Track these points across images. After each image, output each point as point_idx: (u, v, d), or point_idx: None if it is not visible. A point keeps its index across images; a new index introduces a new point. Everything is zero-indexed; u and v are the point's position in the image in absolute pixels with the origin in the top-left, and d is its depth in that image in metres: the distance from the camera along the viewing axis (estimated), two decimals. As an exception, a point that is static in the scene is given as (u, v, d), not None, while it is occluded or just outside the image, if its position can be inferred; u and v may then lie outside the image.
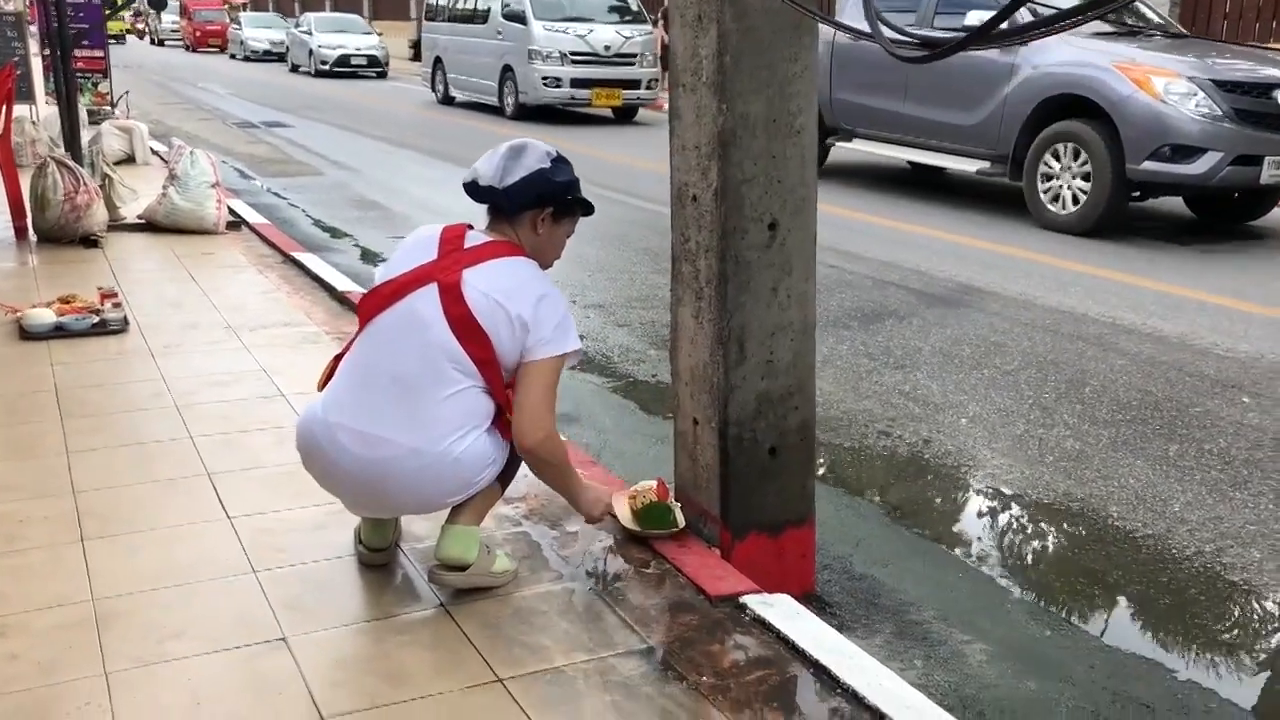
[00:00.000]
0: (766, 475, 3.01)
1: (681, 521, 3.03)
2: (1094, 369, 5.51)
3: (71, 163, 6.82)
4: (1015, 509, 3.95)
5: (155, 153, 10.76)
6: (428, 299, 2.58)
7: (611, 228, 9.15)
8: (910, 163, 11.33)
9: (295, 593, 2.71)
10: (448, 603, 2.68)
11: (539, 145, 2.73)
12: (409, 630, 2.56)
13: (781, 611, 2.65)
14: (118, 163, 9.27)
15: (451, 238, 2.69)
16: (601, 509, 2.92)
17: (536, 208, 2.72)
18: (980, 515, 3.94)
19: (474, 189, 2.73)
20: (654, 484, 3.12)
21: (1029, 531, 3.81)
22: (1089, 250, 8.29)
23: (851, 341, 6.00)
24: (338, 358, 2.77)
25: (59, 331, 4.79)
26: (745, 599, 2.70)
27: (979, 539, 3.75)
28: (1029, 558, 3.64)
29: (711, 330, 2.91)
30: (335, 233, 8.66)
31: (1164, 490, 4.06)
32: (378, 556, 2.86)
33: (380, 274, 2.74)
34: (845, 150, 11.72)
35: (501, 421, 2.68)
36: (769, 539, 3.05)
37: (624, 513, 3.10)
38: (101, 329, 4.86)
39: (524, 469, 2.82)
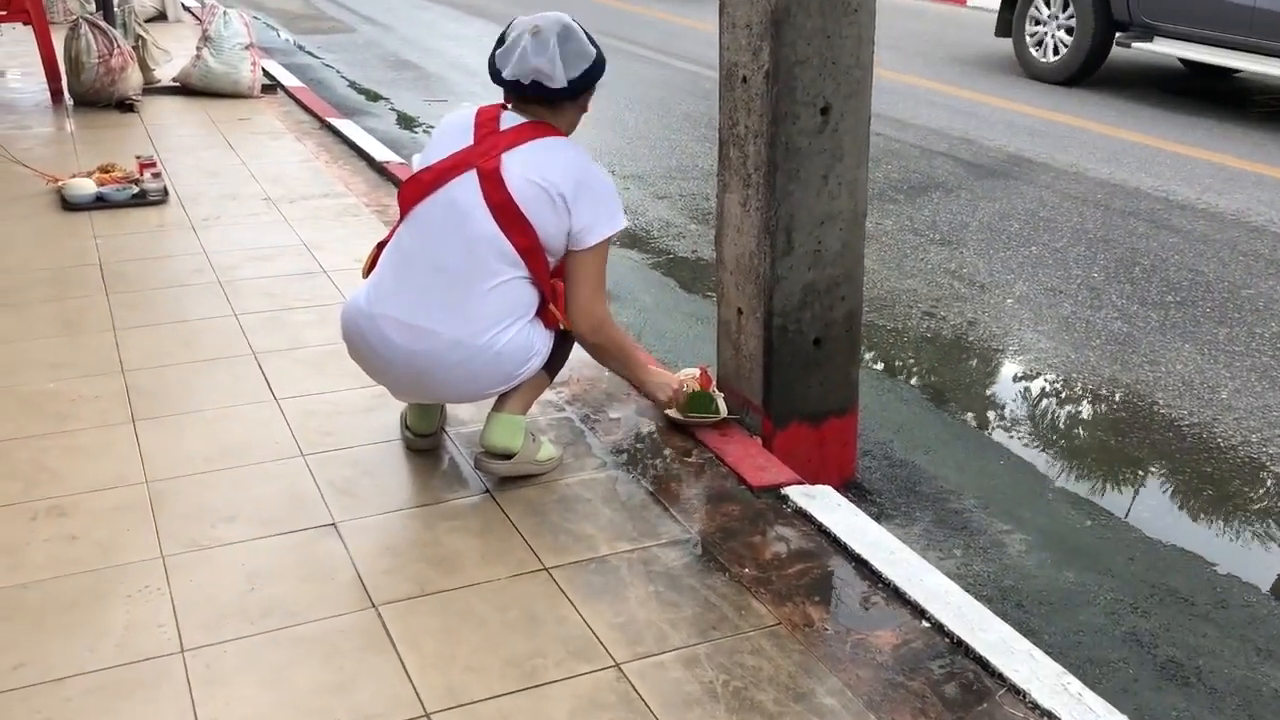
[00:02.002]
0: (810, 366, 2.99)
1: (725, 410, 3.03)
2: (1145, 247, 5.39)
3: (104, 23, 6.69)
4: (1059, 394, 3.92)
5: (187, 8, 10.55)
6: (468, 187, 2.53)
7: (650, 91, 8.94)
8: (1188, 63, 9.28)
9: (344, 476, 2.76)
10: (494, 489, 2.72)
11: (567, 23, 2.59)
12: (457, 516, 2.60)
13: (823, 503, 2.66)
14: (149, 20, 9.10)
15: (486, 120, 2.62)
16: (668, 394, 2.95)
17: (586, 91, 2.64)
18: (1024, 401, 3.91)
19: (527, 87, 2.58)
20: (697, 372, 3.11)
21: (1072, 418, 3.78)
22: (1142, 119, 8.01)
23: (897, 216, 5.89)
24: (380, 245, 2.75)
25: (100, 202, 4.78)
26: (787, 490, 2.72)
27: (1021, 425, 3.74)
28: (1071, 445, 3.62)
29: (759, 219, 2.85)
30: (371, 95, 8.52)
31: (1211, 376, 4.01)
32: (423, 442, 2.89)
33: (418, 161, 2.70)
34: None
35: (546, 312, 2.67)
36: (811, 428, 3.05)
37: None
38: (141, 200, 4.85)
39: (576, 353, 2.81)
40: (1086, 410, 3.84)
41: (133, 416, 3.03)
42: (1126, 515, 3.17)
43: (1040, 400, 3.91)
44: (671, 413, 3.04)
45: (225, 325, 3.65)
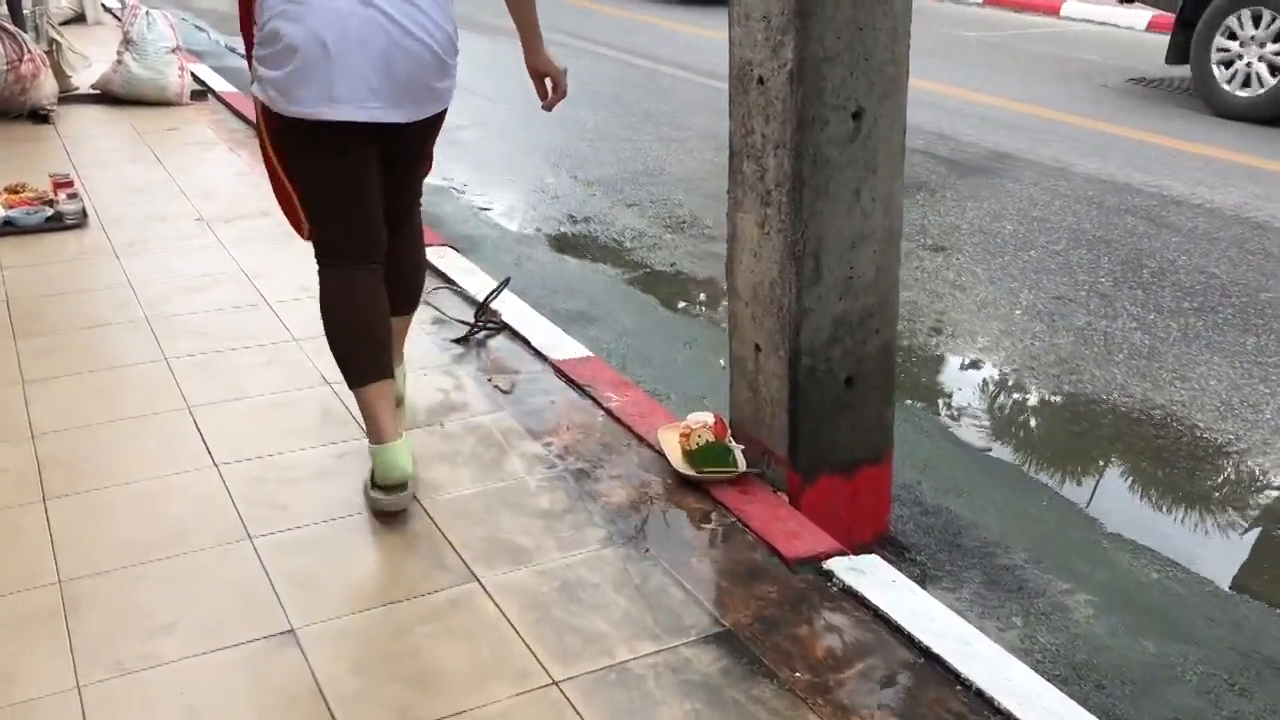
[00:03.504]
0: (841, 409, 2.59)
1: (743, 464, 2.62)
2: (1148, 247, 5.07)
3: (12, 26, 6.11)
4: (1091, 419, 3.56)
5: (107, 9, 9.92)
6: None
7: (605, 88, 8.51)
8: None
9: (302, 565, 2.30)
10: (482, 574, 2.28)
11: None
12: (439, 615, 2.16)
13: (874, 579, 2.26)
14: (65, 23, 8.49)
15: None
16: (557, 72, 2.77)
17: None
18: (1054, 428, 3.55)
19: None
20: (709, 418, 2.70)
21: (1111, 448, 3.42)
22: (1118, 110, 7.74)
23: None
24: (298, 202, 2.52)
25: (8, 227, 4.25)
26: (829, 564, 2.31)
27: (1057, 458, 3.37)
28: (1117, 481, 3.26)
29: (781, 242, 2.44)
30: (309, 99, 7.99)
31: (1250, 394, 3.67)
32: (393, 499, 2.45)
33: None
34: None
35: None
36: (842, 480, 2.65)
37: (674, 453, 2.69)
38: (56, 224, 4.32)
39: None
40: (1124, 437, 3.48)
41: (44, 494, 2.55)
42: (1193, 564, 2.81)
43: (1072, 427, 3.55)
44: (683, 468, 2.62)
45: (154, 373, 3.16)
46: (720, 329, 4.25)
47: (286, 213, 2.59)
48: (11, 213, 4.27)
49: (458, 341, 3.42)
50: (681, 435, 2.67)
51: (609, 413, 2.96)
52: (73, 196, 4.37)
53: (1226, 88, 7.50)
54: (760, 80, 2.41)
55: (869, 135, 2.42)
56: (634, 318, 4.30)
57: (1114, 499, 3.15)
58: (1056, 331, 4.18)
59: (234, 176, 5.11)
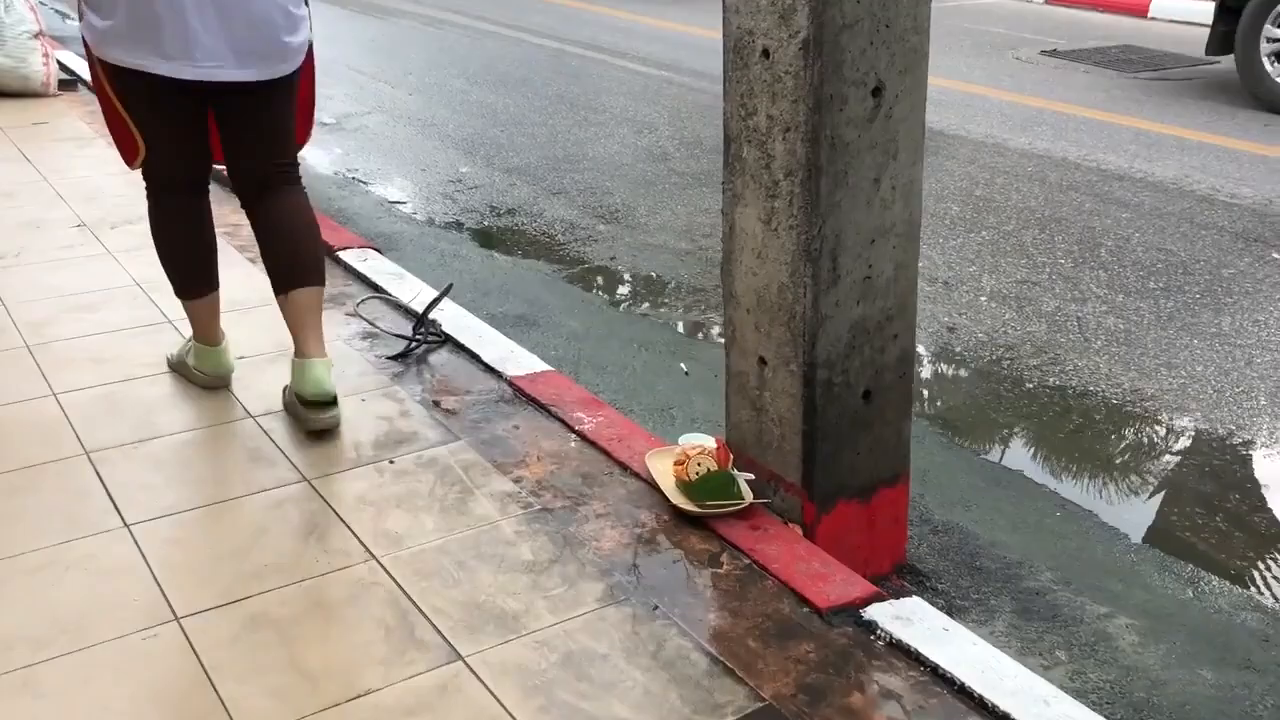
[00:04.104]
0: (859, 426, 2.28)
1: (749, 495, 2.29)
2: (1100, 225, 4.89)
3: None
4: (1084, 414, 3.33)
5: (-42, -6, 9.06)
6: None
7: (514, 71, 8.07)
8: None
9: (246, 656, 1.90)
10: (466, 650, 1.91)
11: None
12: (422, 708, 1.78)
13: (925, 629, 1.96)
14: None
15: None
16: None
17: None
18: (1048, 426, 3.31)
19: None
20: (707, 442, 2.36)
21: (1111, 445, 3.20)
22: (1039, 83, 7.62)
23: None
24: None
25: None
26: (869, 612, 2.00)
27: (1058, 459, 3.13)
28: (1127, 484, 3.03)
29: (793, 241, 2.11)
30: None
31: (1238, 379, 3.49)
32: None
33: None
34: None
35: None
36: (860, 505, 2.34)
37: (668, 483, 2.35)
38: (-89, 235, 3.77)
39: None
40: (1124, 433, 3.25)
41: (-90, 575, 2.09)
42: (1231, 580, 2.58)
43: (1066, 424, 3.31)
44: (681, 502, 2.29)
45: (42, 412, 2.69)
46: (673, 329, 3.92)
47: (118, 140, 2.56)
48: None
49: (395, 358, 3.01)
50: (677, 463, 2.33)
51: (582, 437, 2.61)
52: (-71, 203, 3.81)
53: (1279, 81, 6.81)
54: (765, 53, 2.07)
55: (889, 114, 2.10)
56: (579, 320, 3.93)
57: (1128, 504, 2.92)
58: (1028, 318, 3.96)
59: (116, 176, 4.57)
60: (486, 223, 4.97)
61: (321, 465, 2.47)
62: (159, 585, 2.06)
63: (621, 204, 5.20)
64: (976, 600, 2.44)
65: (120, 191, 4.34)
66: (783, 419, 2.26)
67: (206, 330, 2.77)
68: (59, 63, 6.15)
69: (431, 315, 3.17)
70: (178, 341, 3.03)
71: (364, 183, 5.48)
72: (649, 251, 4.60)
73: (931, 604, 2.37)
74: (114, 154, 4.91)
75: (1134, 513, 2.87)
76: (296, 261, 2.60)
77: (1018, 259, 4.52)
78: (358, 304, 3.21)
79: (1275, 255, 4.55)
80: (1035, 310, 4.02)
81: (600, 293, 4.26)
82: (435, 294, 3.40)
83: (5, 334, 3.08)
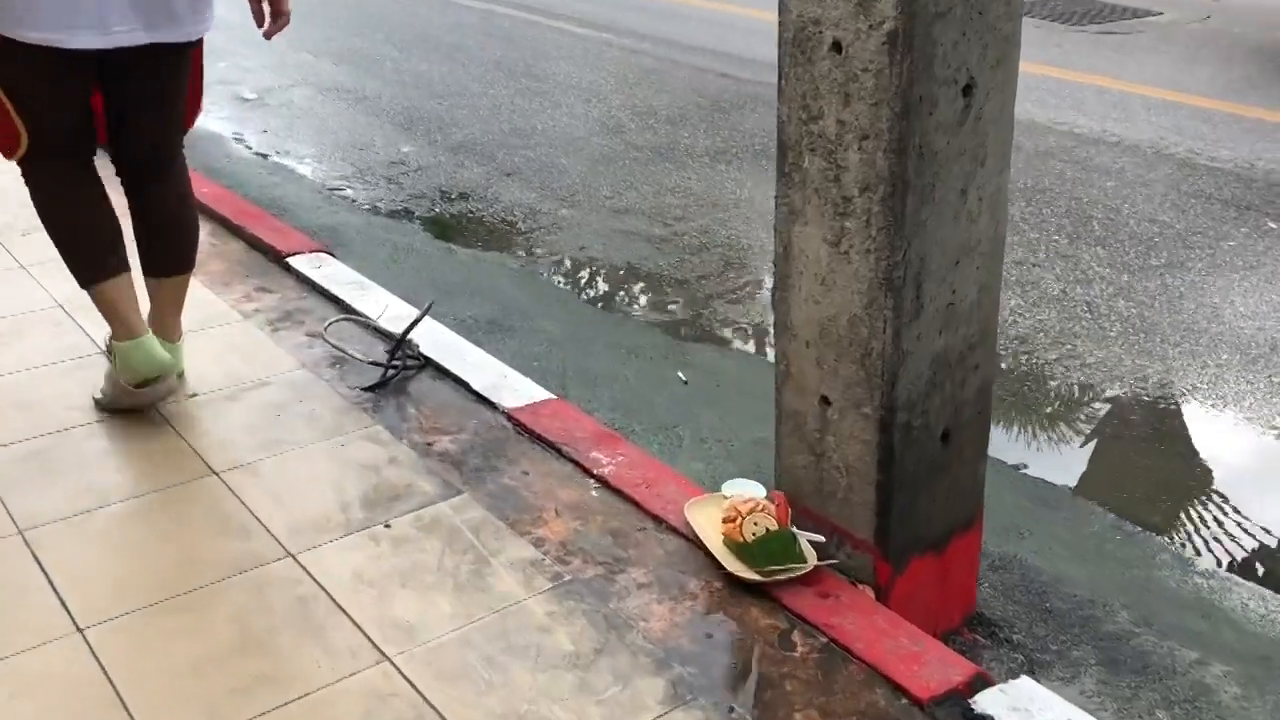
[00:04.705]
0: (936, 472, 1.99)
1: (812, 556, 1.99)
2: (1086, 195, 4.67)
3: None
4: (1120, 416, 3.10)
5: None
6: None
7: (441, 35, 7.59)
8: None
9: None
10: (515, 781, 1.58)
11: None
12: None
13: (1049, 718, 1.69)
14: None
15: None
16: None
17: None
18: (1081, 431, 3.07)
19: None
20: (755, 491, 2.07)
21: (1154, 451, 2.97)
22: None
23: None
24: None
25: None
26: (980, 703, 1.72)
27: (1102, 471, 2.90)
28: (1182, 498, 2.80)
29: (869, 266, 1.80)
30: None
31: (1270, 367, 3.29)
32: (152, 391, 2.48)
33: None
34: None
35: None
36: (934, 558, 2.06)
37: (715, 541, 2.04)
38: None
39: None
40: (1162, 435, 3.03)
41: None
42: (1315, 604, 2.37)
43: (1103, 429, 3.07)
44: (737, 568, 1.98)
45: (-42, 477, 2.27)
46: (660, 330, 3.59)
47: None
48: None
49: (372, 389, 2.64)
50: (727, 520, 2.02)
51: (603, 483, 2.28)
52: None
53: None
54: (836, 47, 1.74)
55: (979, 116, 1.80)
56: (557, 322, 3.58)
57: (1189, 524, 2.69)
58: (1035, 304, 3.72)
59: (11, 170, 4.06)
60: (438, 210, 4.57)
61: (306, 533, 2.11)
62: (127, 711, 1.69)
63: (581, 184, 4.83)
64: (1057, 652, 2.18)
65: (22, 193, 3.84)
66: (851, 467, 1.96)
67: (127, 319, 2.43)
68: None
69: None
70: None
71: (297, 166, 5.02)
72: (620, 239, 4.26)
73: (1007, 659, 2.12)
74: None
75: (1199, 534, 2.64)
76: (180, 249, 2.53)
77: (1011, 235, 4.27)
78: (325, 326, 2.82)
79: (1271, 225, 4.37)
80: (1041, 295, 3.78)
81: (575, 289, 3.91)
82: (408, 307, 3.03)
83: (-94, 376, 2.64)
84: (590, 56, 7.10)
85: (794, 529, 2.00)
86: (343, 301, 3.07)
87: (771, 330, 3.57)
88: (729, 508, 2.03)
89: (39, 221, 3.57)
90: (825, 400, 1.96)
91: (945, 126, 1.75)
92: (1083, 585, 2.38)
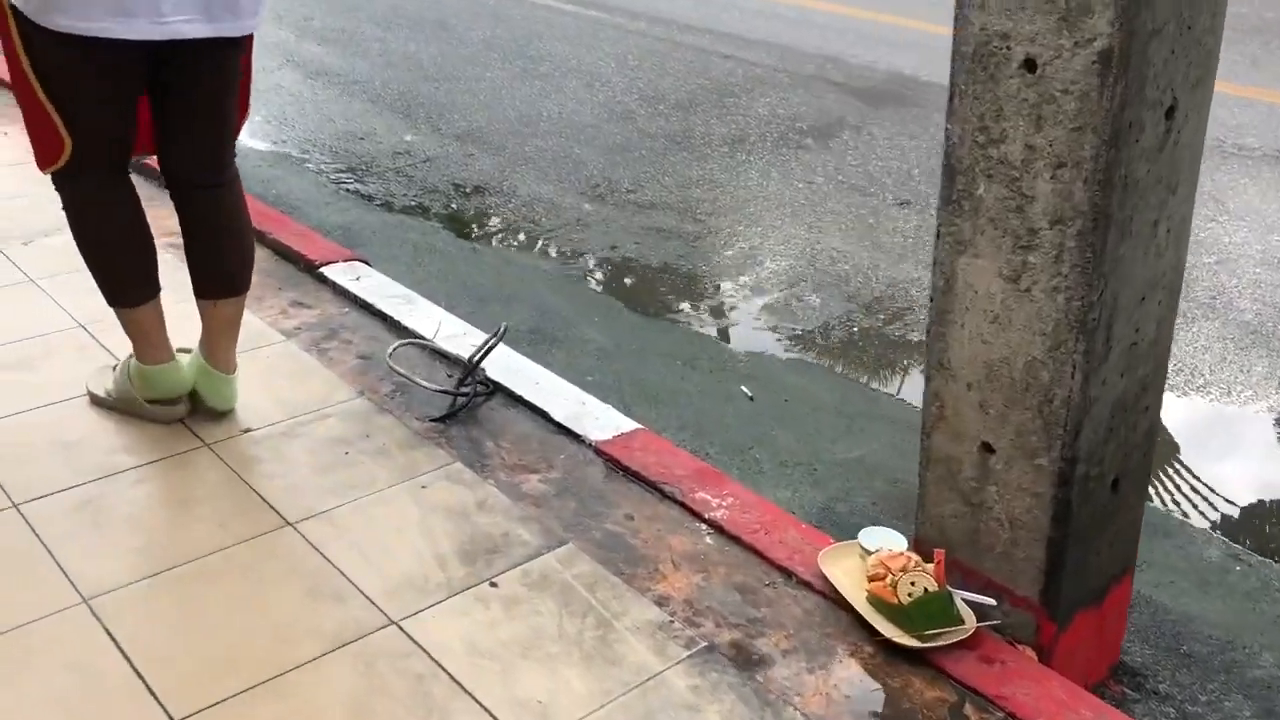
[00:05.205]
0: (1105, 520, 1.84)
1: (971, 617, 1.83)
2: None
3: None
4: (1209, 424, 2.98)
5: None
6: None
7: (423, 11, 7.30)
8: None
9: None
10: None
11: None
12: None
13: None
14: None
15: None
16: None
17: None
18: (1179, 449, 2.94)
19: None
20: (896, 543, 1.91)
21: (1260, 463, 2.85)
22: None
23: (823, 169, 4.76)
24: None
25: None
26: (1190, 786, 1.57)
27: (1204, 491, 2.77)
28: (1288, 517, 2.69)
29: (1057, 306, 1.63)
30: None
31: (1346, 373, 3.19)
32: (171, 410, 2.34)
33: None
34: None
35: None
36: (1094, 611, 1.91)
37: (859, 598, 1.87)
38: None
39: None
40: (1263, 443, 2.92)
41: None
42: None
43: (1198, 448, 2.95)
44: (893, 633, 1.81)
45: (9, 535, 2.03)
46: (712, 339, 3.41)
47: (37, 137, 2.11)
48: None
49: (442, 420, 2.43)
50: (873, 579, 1.85)
51: (717, 528, 2.10)
52: None
53: None
54: (1029, 64, 1.56)
55: (1177, 141, 1.63)
56: (602, 331, 3.38)
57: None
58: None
59: (8, 168, 3.76)
60: (455, 205, 4.34)
61: (405, 594, 1.91)
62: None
63: (600, 176, 4.62)
64: (1208, 703, 2.04)
65: (15, 190, 3.56)
66: (1015, 520, 1.80)
67: (157, 345, 2.30)
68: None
69: (453, 353, 2.59)
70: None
71: (300, 157, 4.74)
72: (652, 237, 4.06)
73: (1159, 714, 1.99)
74: (6, 142, 4.09)
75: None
76: (237, 267, 2.33)
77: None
78: (390, 353, 2.60)
79: None
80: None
81: (615, 294, 3.70)
82: (461, 324, 2.83)
83: (-77, 412, 2.38)
84: (585, 36, 6.86)
85: (951, 589, 1.83)
86: (389, 318, 2.85)
87: (826, 338, 3.43)
88: (877, 564, 1.86)
89: (43, 228, 3.32)
90: (987, 448, 1.80)
91: (1147, 153, 1.58)
92: (1215, 624, 2.25)
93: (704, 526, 2.11)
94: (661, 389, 3.04)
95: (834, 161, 4.84)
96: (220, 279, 2.31)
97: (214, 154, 2.25)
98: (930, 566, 1.83)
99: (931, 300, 1.81)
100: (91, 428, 2.34)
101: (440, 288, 3.45)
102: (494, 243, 4.05)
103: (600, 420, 2.44)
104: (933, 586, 1.80)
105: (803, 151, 4.96)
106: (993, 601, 1.82)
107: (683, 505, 2.16)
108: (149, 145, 2.27)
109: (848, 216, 4.27)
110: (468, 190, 4.46)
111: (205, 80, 2.14)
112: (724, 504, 2.16)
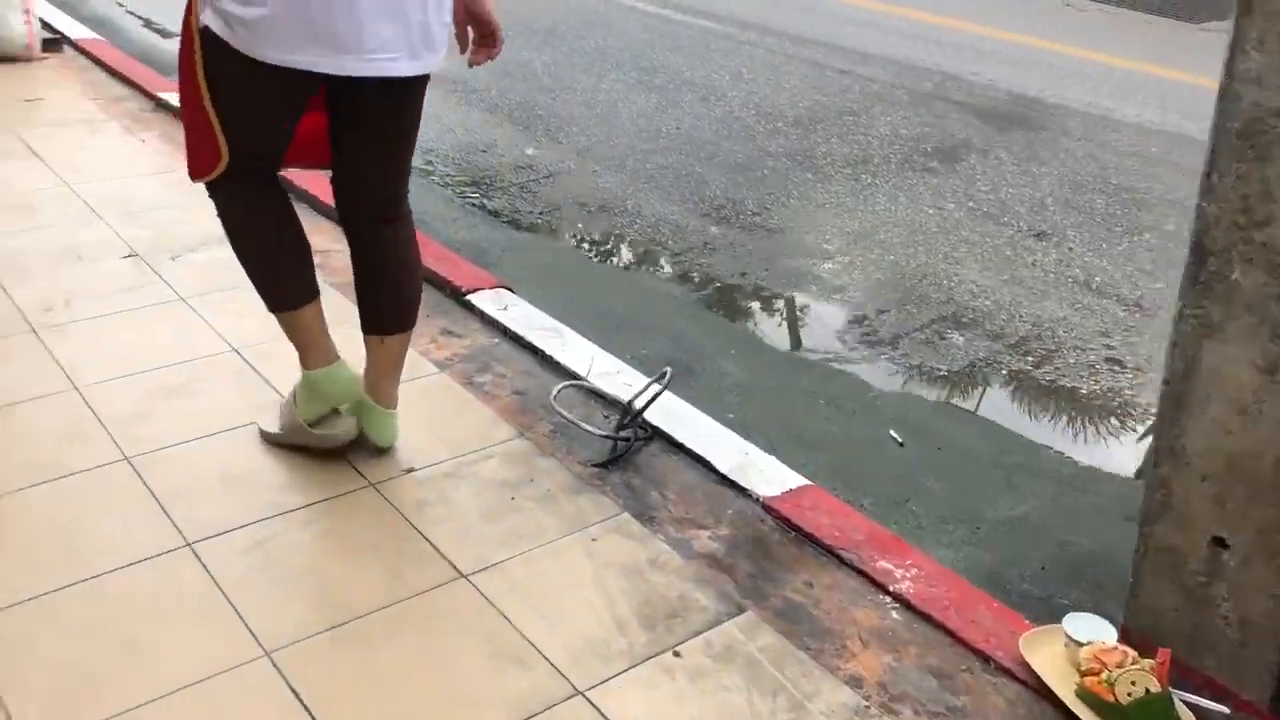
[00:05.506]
0: (1340, 625, 1.72)
1: None
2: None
3: None
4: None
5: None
6: None
7: (537, 19, 7.26)
8: None
9: None
10: None
11: None
12: None
13: None
14: None
15: None
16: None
17: None
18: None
19: None
20: (1106, 633, 1.81)
21: None
22: (1114, 38, 7.03)
23: (953, 194, 4.64)
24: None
25: None
26: None
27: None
28: None
29: (1320, 403, 1.52)
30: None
31: None
32: (344, 431, 2.32)
33: None
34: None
35: None
36: (1316, 716, 1.79)
37: (1067, 693, 1.77)
38: (-76, 277, 2.99)
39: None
40: None
41: None
42: None
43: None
44: (1112, 734, 1.71)
45: (185, 577, 2.01)
46: (853, 376, 3.31)
47: (196, 148, 2.09)
48: None
49: (604, 466, 2.38)
50: (1087, 673, 1.75)
51: (903, 602, 2.01)
52: (-56, 235, 3.02)
53: None
54: (1310, 145, 1.45)
55: None
56: (740, 364, 3.30)
57: None
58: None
59: (152, 177, 3.78)
60: (581, 225, 4.29)
61: (588, 662, 1.85)
62: None
63: (724, 197, 4.54)
64: None
65: (160, 199, 3.57)
66: (1248, 622, 1.69)
67: (322, 344, 2.27)
68: (41, 20, 5.24)
69: (604, 389, 2.53)
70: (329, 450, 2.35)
71: (424, 169, 4.72)
72: (782, 262, 3.97)
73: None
74: (136, 143, 4.13)
75: None
76: (409, 300, 2.30)
77: (1202, 272, 3.98)
78: (554, 395, 2.55)
79: None
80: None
81: (748, 324, 3.62)
82: (614, 361, 2.77)
83: (89, 438, 2.36)
84: (697, 47, 6.78)
85: (1170, 690, 1.73)
86: (540, 351, 2.80)
87: (973, 380, 3.32)
88: (1091, 658, 1.76)
89: (190, 242, 3.33)
90: (1220, 543, 1.69)
91: None
92: None
93: (888, 600, 2.03)
94: (807, 431, 2.96)
95: (963, 187, 4.71)
96: (392, 314, 2.28)
97: (396, 188, 2.22)
98: (1150, 664, 1.73)
99: (1166, 383, 1.70)
100: (256, 462, 2.32)
101: (574, 311, 3.39)
102: (623, 265, 4.00)
103: (766, 473, 2.37)
104: (1155, 687, 1.70)
105: (929, 175, 4.84)
106: (1225, 710, 1.72)
107: (864, 574, 2.08)
108: (308, 159, 2.23)
109: (983, 247, 4.14)
110: (592, 209, 4.41)
111: (403, 115, 2.13)
112: (908, 575, 2.07)
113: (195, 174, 2.13)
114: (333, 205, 2.30)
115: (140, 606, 1.92)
